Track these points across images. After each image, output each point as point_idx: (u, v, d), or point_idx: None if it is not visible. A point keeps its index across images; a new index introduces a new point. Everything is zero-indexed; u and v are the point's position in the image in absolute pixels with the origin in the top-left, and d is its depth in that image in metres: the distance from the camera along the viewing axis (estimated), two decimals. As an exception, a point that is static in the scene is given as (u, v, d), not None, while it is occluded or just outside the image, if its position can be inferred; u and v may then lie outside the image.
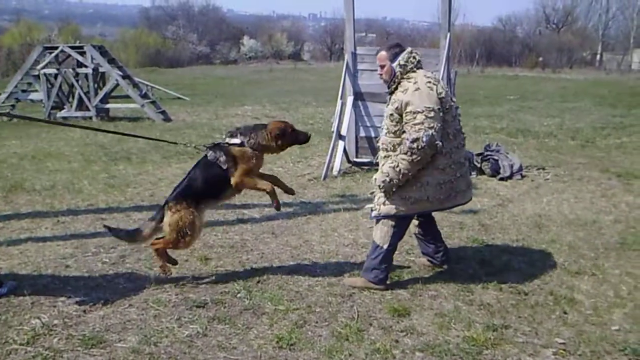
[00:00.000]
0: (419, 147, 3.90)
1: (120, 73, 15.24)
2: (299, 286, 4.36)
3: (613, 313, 4.04)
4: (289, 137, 4.32)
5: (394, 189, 4.14)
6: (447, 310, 4.01)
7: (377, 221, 4.30)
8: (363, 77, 8.76)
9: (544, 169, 8.87)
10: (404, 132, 4.01)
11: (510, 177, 8.21)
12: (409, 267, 4.82)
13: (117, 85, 15.26)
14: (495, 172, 8.31)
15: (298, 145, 4.48)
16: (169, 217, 4.17)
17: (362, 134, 9.00)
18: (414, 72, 4.14)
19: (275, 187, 4.33)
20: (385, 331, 3.70)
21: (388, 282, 4.38)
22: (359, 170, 8.77)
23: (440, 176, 4.09)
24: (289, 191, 4.49)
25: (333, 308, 4.01)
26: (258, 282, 4.41)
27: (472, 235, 5.70)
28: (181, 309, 3.98)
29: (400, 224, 4.27)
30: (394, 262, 4.88)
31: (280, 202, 4.39)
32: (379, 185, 4.13)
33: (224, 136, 4.28)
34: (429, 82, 4.03)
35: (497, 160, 8.38)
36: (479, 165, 8.59)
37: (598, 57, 55.26)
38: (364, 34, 51.02)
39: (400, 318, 3.88)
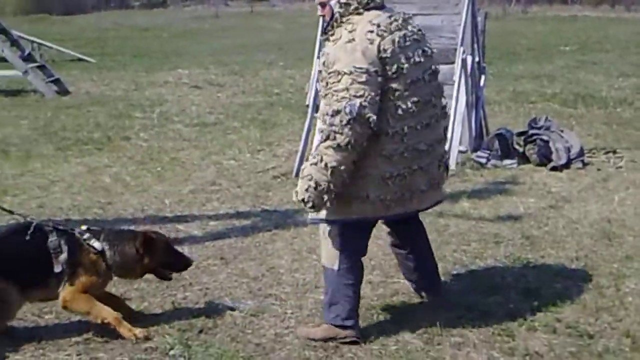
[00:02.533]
0: (343, 122, 3.87)
1: (-8, 25, 15.07)
2: (261, 336, 4.35)
3: None
4: (162, 254, 4.45)
5: (328, 197, 4.03)
6: (478, 364, 4.03)
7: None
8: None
9: (614, 152, 8.98)
10: None
11: (566, 165, 8.29)
12: (421, 302, 4.83)
13: (-13, 43, 15.10)
14: (545, 158, 8.38)
15: (169, 271, 4.56)
16: None
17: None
18: (360, 14, 4.13)
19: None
20: (388, 399, 3.73)
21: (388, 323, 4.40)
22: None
23: (386, 167, 4.06)
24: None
25: (311, 367, 4.02)
26: (200, 331, 4.39)
27: (513, 252, 5.74)
28: (87, 375, 3.96)
29: (348, 233, 4.23)
30: (403, 296, 4.89)
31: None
32: (303, 200, 4.04)
33: (82, 228, 4.37)
34: (371, 31, 4.02)
35: (547, 142, 8.44)
36: (521, 150, 8.66)
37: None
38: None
39: (410, 378, 3.91)
